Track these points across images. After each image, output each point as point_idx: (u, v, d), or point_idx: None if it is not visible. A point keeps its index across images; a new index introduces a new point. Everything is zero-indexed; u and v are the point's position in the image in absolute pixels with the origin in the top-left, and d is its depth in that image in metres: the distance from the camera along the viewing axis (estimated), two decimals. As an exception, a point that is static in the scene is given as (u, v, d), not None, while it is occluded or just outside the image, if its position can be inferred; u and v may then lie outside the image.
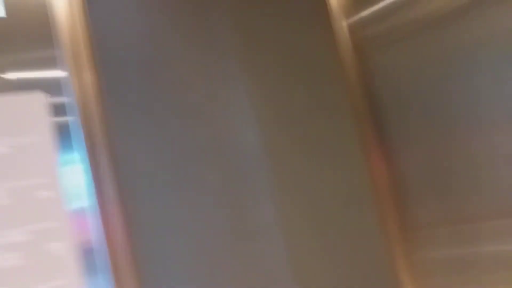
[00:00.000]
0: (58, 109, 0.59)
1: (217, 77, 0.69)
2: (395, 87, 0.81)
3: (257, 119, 0.71)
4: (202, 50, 0.69)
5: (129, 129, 0.61)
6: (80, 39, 0.63)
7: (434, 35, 0.72)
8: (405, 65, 0.78)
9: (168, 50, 0.67)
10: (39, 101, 0.58)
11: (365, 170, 0.83)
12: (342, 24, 0.85)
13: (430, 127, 0.75)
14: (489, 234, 0.68)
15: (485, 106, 0.67)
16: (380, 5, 0.79)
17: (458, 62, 0.70)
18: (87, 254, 0.55)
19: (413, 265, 0.80)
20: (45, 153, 0.56)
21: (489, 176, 0.68)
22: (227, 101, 0.69)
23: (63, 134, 0.58)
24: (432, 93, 0.74)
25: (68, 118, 0.59)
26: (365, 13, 0.81)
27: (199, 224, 0.63)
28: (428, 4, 0.71)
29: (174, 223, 0.61)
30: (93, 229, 0.58)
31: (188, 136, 0.65)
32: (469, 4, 0.68)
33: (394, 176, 0.83)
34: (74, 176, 0.58)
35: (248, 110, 0.70)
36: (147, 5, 0.67)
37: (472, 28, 0.67)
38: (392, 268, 0.81)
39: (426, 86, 0.75)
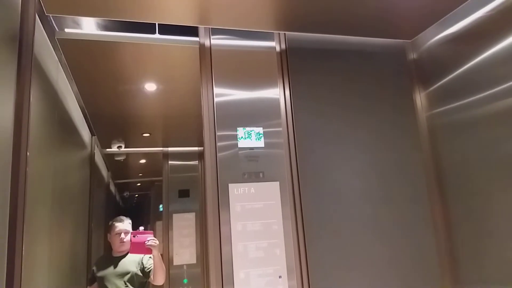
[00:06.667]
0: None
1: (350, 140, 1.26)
2: (457, 165, 1.18)
3: (361, 168, 1.22)
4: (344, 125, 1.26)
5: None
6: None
7: (489, 133, 1.04)
8: (466, 150, 1.13)
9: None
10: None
11: (430, 220, 1.25)
12: (423, 116, 1.37)
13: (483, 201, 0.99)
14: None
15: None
16: (449, 106, 1.21)
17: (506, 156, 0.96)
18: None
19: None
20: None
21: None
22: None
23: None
24: (486, 172, 1.00)
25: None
26: (438, 110, 1.27)
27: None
28: (486, 106, 1.01)
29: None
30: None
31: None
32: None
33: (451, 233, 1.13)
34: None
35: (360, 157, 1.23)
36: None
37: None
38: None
39: (482, 167, 1.07)
